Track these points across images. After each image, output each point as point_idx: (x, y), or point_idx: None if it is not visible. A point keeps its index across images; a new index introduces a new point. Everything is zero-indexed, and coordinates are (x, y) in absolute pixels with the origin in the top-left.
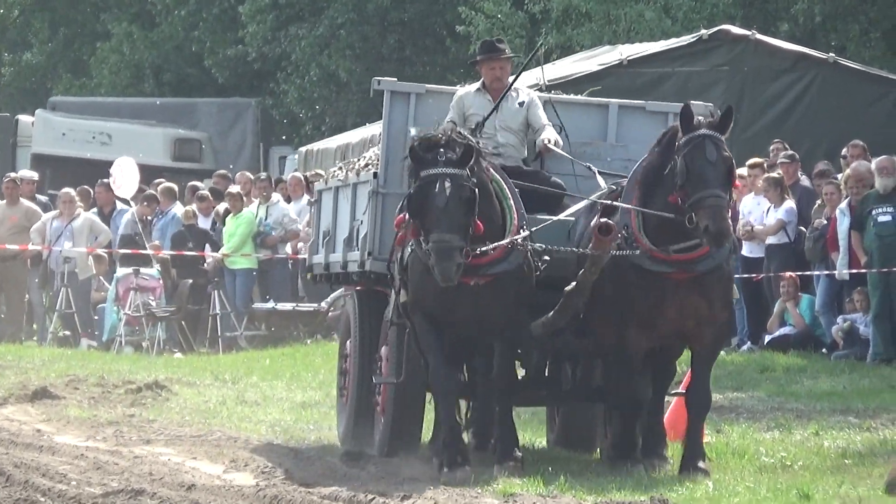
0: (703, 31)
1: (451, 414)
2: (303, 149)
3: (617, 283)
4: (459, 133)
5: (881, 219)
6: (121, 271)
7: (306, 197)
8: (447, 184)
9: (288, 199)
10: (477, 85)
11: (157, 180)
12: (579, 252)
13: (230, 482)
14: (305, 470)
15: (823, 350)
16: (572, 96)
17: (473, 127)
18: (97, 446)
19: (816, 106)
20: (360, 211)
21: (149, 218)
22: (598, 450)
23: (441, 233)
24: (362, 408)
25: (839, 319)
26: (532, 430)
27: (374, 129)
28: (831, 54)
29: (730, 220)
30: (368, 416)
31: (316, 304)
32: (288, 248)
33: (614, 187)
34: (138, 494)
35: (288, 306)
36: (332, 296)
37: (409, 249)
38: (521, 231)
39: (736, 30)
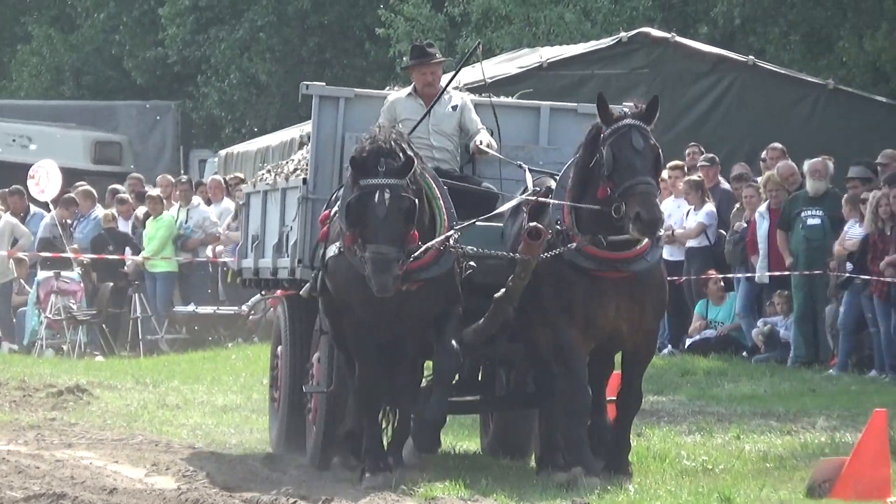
0: (623, 34)
1: (374, 419)
2: (223, 152)
3: (553, 283)
4: (399, 134)
5: (810, 222)
6: (42, 275)
7: (226, 200)
8: (387, 195)
9: (208, 202)
10: (408, 90)
11: (78, 183)
12: (510, 256)
13: (152, 486)
14: (227, 473)
15: (744, 353)
16: (503, 98)
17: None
18: (18, 450)
19: (736, 108)
20: (289, 217)
21: (68, 221)
22: (534, 456)
23: (379, 244)
24: (294, 415)
25: (759, 323)
26: (464, 436)
27: (294, 132)
28: (751, 57)
29: (661, 209)
30: (300, 424)
31: (236, 308)
32: (208, 252)
33: (538, 188)
34: (60, 498)
35: (208, 310)
36: (253, 299)
37: (335, 250)
38: (452, 231)
39: (656, 32)
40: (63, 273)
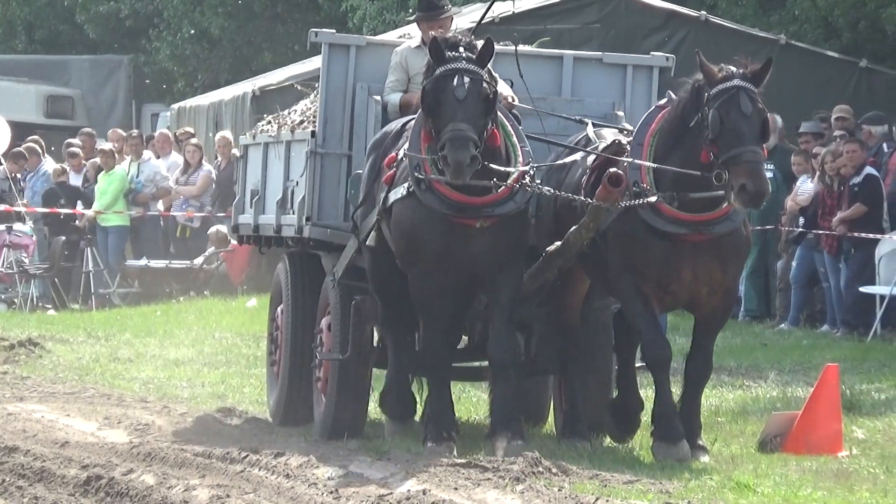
0: None
1: (443, 383)
2: (175, 106)
3: (624, 246)
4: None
5: None
6: None
7: (175, 154)
8: (466, 79)
9: (157, 157)
10: (416, 41)
11: (30, 137)
12: (588, 201)
13: (104, 439)
14: (178, 427)
15: None
16: (525, 47)
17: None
18: None
19: (688, 64)
20: (294, 171)
21: (18, 175)
22: (554, 423)
23: (457, 122)
24: (296, 382)
25: None
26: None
27: (247, 86)
28: (703, 12)
29: (767, 179)
30: (304, 391)
31: (188, 262)
32: (160, 206)
33: (606, 142)
34: (12, 452)
35: (160, 263)
36: (206, 253)
37: (403, 191)
38: (528, 170)
39: None
40: (15, 227)
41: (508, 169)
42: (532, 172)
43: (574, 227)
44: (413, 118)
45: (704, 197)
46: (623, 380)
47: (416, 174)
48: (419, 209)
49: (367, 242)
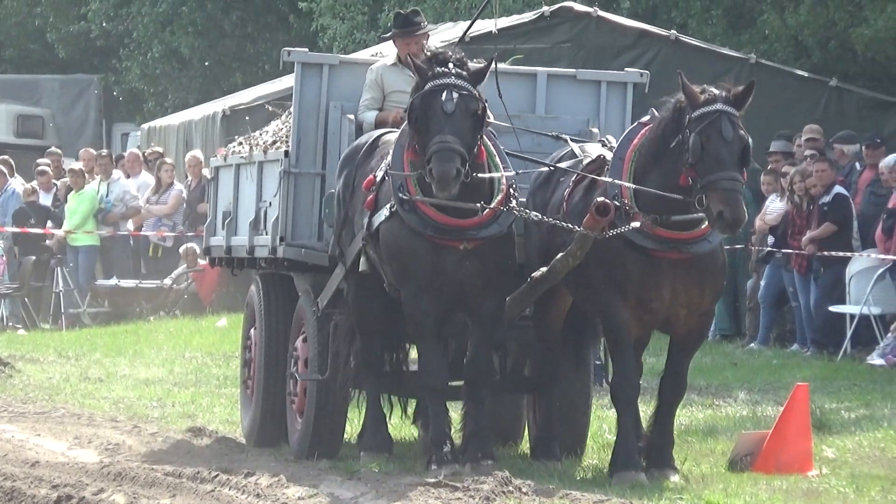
0: (546, 8)
1: (442, 410)
2: (146, 125)
3: (606, 262)
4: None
5: None
6: None
7: (145, 173)
8: (455, 94)
9: (127, 176)
10: (392, 59)
11: (0, 157)
12: (574, 228)
13: (74, 459)
14: (149, 446)
15: None
16: (500, 65)
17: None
18: None
19: (658, 83)
20: (267, 192)
21: None
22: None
23: (444, 135)
24: (270, 403)
25: None
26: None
27: (217, 105)
28: (673, 31)
29: (744, 206)
30: (279, 412)
31: (158, 281)
32: (130, 225)
33: (586, 158)
34: None
35: (131, 283)
36: (175, 272)
37: (387, 212)
38: (511, 192)
39: (578, 6)
40: None
41: (493, 174)
42: (516, 194)
43: (560, 255)
44: (386, 131)
45: (685, 219)
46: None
47: (399, 194)
48: (404, 229)
49: (360, 269)
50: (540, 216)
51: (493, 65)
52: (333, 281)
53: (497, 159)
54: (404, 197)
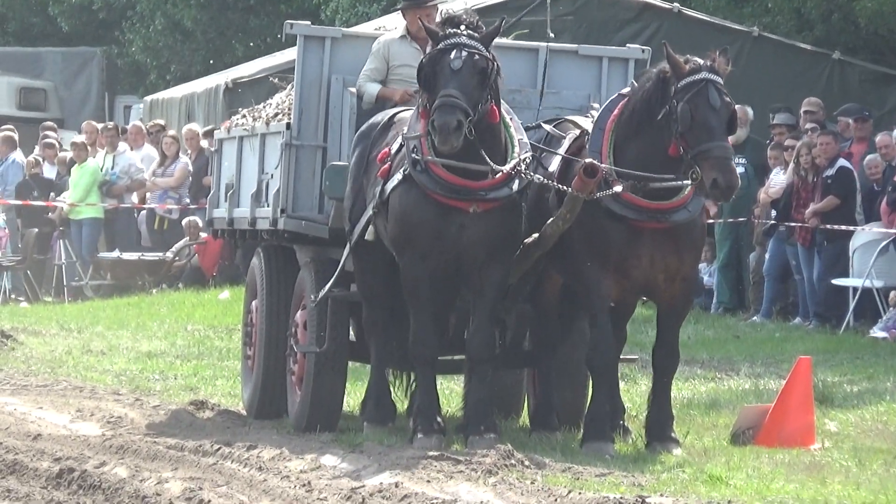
0: None
1: (430, 380)
2: (148, 98)
3: (586, 230)
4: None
5: None
6: None
7: (147, 146)
8: (464, 52)
9: (131, 149)
10: (400, 31)
11: (4, 126)
12: (566, 189)
13: (76, 432)
14: (151, 419)
15: None
16: (501, 39)
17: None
18: None
19: (660, 56)
20: (269, 164)
21: None
22: (527, 415)
23: (448, 90)
24: (271, 375)
25: None
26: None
27: (219, 78)
28: (675, 4)
29: (737, 173)
30: (280, 385)
31: (161, 254)
32: (134, 198)
33: (569, 130)
34: None
35: (133, 256)
36: (177, 245)
37: (397, 179)
38: (524, 159)
39: None
40: None
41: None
42: (528, 161)
43: (551, 219)
44: (401, 110)
45: (665, 186)
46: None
47: (412, 155)
48: (413, 191)
49: (367, 237)
50: (543, 179)
51: (500, 25)
52: (342, 262)
53: (512, 129)
54: (417, 157)
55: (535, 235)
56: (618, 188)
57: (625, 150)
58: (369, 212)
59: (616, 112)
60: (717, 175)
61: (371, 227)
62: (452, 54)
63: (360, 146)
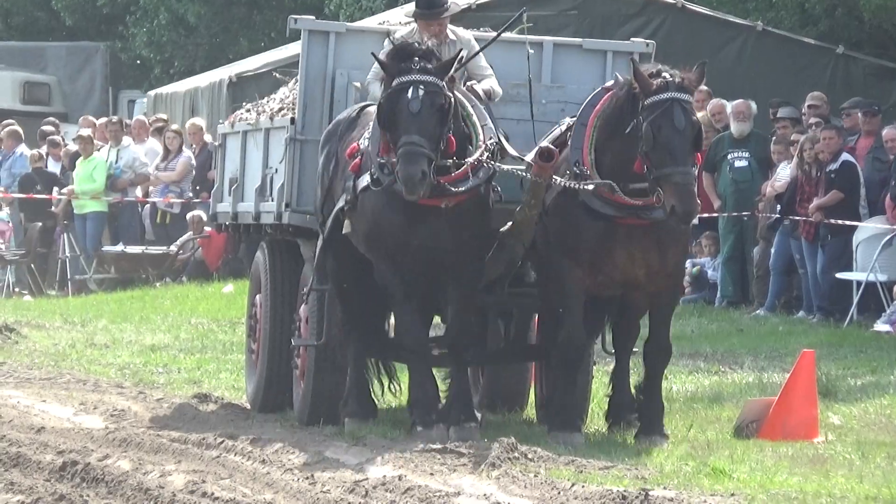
0: None
1: (423, 371)
2: (152, 92)
3: (562, 225)
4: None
5: (737, 164)
6: None
7: (151, 140)
8: (421, 90)
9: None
10: (414, 30)
11: (6, 121)
12: (523, 175)
13: (80, 425)
14: (154, 412)
15: None
16: (507, 34)
17: None
18: None
19: (664, 51)
20: (273, 158)
21: None
22: (534, 408)
23: (410, 135)
24: (275, 369)
25: (688, 264)
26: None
27: (223, 73)
28: None
29: (697, 198)
30: (283, 379)
31: (165, 248)
32: (138, 192)
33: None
34: None
35: (137, 249)
36: (181, 239)
37: (368, 179)
38: (489, 147)
39: None
40: None
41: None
42: (492, 149)
43: (518, 208)
44: (369, 104)
45: (642, 187)
46: (617, 376)
47: (378, 159)
48: (383, 192)
49: (343, 231)
50: (508, 168)
51: (460, 56)
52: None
53: (474, 118)
54: (383, 161)
55: (509, 224)
56: (590, 186)
57: (604, 149)
58: (340, 203)
59: (598, 108)
60: (675, 202)
61: (347, 221)
62: (410, 93)
63: (327, 146)
